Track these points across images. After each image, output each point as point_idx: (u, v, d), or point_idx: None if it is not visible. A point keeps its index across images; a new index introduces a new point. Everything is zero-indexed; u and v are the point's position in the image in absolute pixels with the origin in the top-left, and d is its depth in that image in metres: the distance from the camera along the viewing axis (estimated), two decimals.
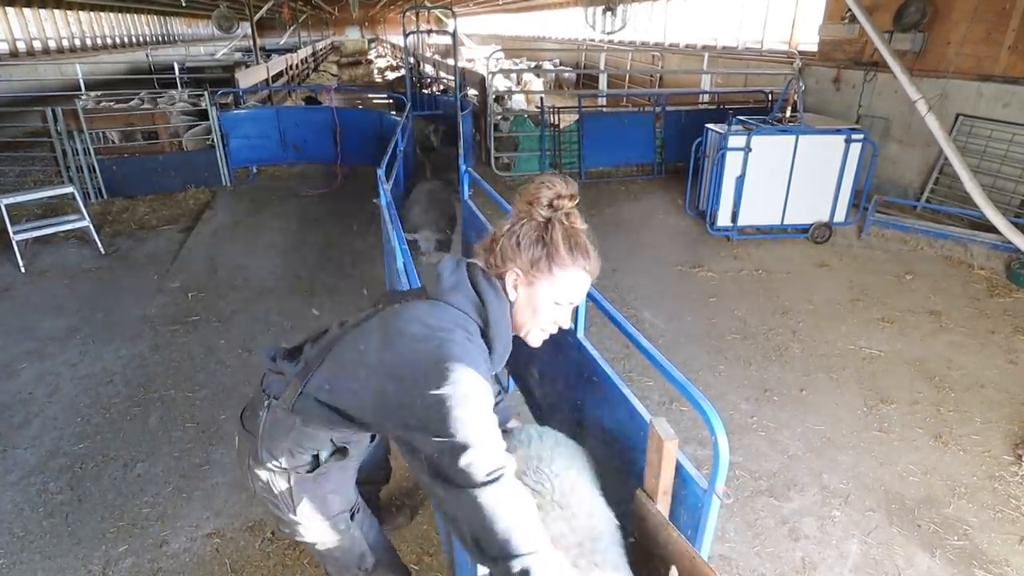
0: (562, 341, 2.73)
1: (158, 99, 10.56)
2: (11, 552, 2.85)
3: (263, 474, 1.72)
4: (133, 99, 10.64)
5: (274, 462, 1.70)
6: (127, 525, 3.00)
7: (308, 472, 1.72)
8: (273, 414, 1.66)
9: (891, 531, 3.01)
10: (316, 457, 1.73)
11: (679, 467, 1.87)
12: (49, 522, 3.02)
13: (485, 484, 1.31)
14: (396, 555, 2.17)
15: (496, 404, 1.70)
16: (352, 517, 1.93)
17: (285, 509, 1.77)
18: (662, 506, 1.89)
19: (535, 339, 1.60)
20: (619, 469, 2.30)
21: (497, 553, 1.31)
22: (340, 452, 1.75)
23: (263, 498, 1.79)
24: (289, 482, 1.72)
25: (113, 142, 8.49)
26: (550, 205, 1.51)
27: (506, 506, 1.32)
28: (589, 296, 2.41)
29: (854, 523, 3.05)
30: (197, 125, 8.79)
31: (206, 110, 8.26)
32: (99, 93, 11.20)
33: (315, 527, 1.83)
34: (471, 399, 1.35)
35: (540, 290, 1.52)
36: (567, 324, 1.60)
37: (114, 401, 3.95)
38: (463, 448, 1.31)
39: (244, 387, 4.08)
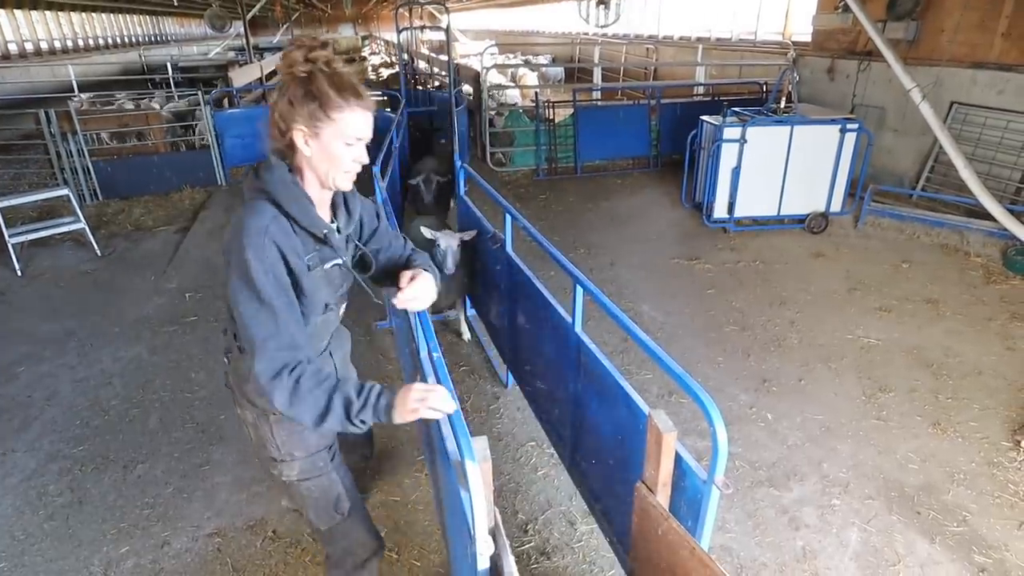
0: (560, 335, 2.74)
1: (140, 101, 10.52)
2: (12, 555, 2.85)
3: (248, 416, 1.93)
4: (116, 101, 10.59)
5: (251, 407, 1.89)
6: (128, 526, 3.00)
7: (278, 413, 1.81)
8: (233, 365, 1.90)
9: (891, 519, 3.02)
10: None
11: (678, 459, 1.87)
12: (50, 524, 3.02)
13: (274, 380, 1.53)
14: (367, 510, 2.25)
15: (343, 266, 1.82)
16: (331, 458, 2.04)
17: (271, 447, 1.93)
18: (662, 498, 1.89)
19: (344, 182, 1.69)
20: (619, 461, 2.30)
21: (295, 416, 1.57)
22: None
23: (255, 443, 1.97)
24: (269, 422, 1.90)
25: (105, 143, 8.46)
26: (307, 60, 1.58)
27: (296, 398, 1.54)
28: (587, 290, 2.41)
29: (854, 511, 3.06)
30: (191, 126, 8.77)
31: (194, 110, 8.24)
32: (90, 95, 11.14)
33: (297, 464, 1.95)
34: (251, 267, 1.53)
35: (327, 137, 1.61)
36: (366, 159, 1.69)
37: (113, 403, 3.95)
38: (250, 346, 1.55)
39: None
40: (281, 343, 1.55)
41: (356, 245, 1.93)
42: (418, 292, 1.81)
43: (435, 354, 1.97)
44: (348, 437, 2.32)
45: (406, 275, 1.84)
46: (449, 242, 3.75)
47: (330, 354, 1.99)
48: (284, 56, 1.61)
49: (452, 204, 5.88)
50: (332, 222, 1.80)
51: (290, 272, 1.63)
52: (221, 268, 1.93)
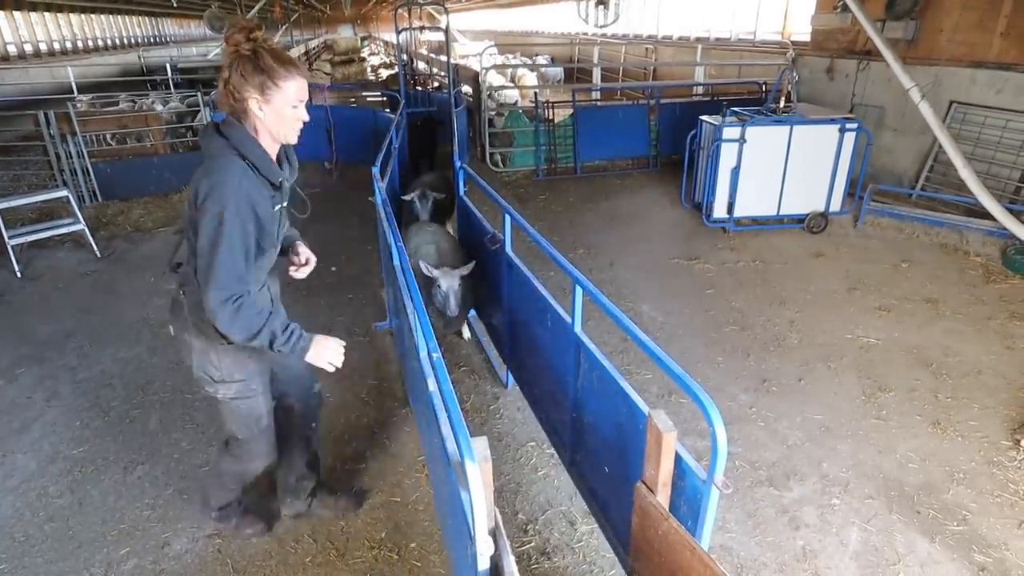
0: (560, 335, 2.74)
1: (143, 101, 10.52)
2: (13, 557, 2.85)
3: (198, 344, 2.26)
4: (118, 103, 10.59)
5: (201, 335, 2.23)
6: (128, 528, 3.00)
7: (230, 343, 2.19)
8: (189, 298, 2.21)
9: (891, 518, 3.02)
10: None
11: (678, 459, 1.87)
12: (50, 526, 3.02)
13: (222, 304, 1.92)
14: (274, 430, 2.61)
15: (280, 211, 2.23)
16: (261, 385, 2.43)
17: (211, 370, 2.29)
18: (662, 498, 1.89)
19: (292, 137, 2.09)
20: (618, 461, 2.31)
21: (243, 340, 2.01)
22: None
23: (198, 366, 2.31)
24: (216, 350, 2.26)
25: (108, 144, 8.46)
26: (249, 39, 1.93)
27: (236, 320, 1.95)
28: (586, 290, 2.42)
29: (854, 511, 3.07)
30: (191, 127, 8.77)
31: (194, 111, 8.23)
32: (91, 96, 11.13)
33: (235, 386, 2.34)
34: (225, 206, 1.90)
35: (277, 103, 1.98)
36: (307, 117, 2.08)
37: (113, 404, 3.95)
38: (206, 277, 1.92)
39: None
40: (232, 277, 1.92)
41: (295, 189, 2.31)
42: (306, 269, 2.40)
43: (435, 355, 1.97)
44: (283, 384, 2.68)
45: (300, 256, 2.45)
46: (450, 283, 3.54)
47: (267, 288, 2.32)
48: (228, 39, 1.93)
49: (453, 214, 5.87)
50: None
51: (257, 218, 2.01)
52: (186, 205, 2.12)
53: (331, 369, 2.16)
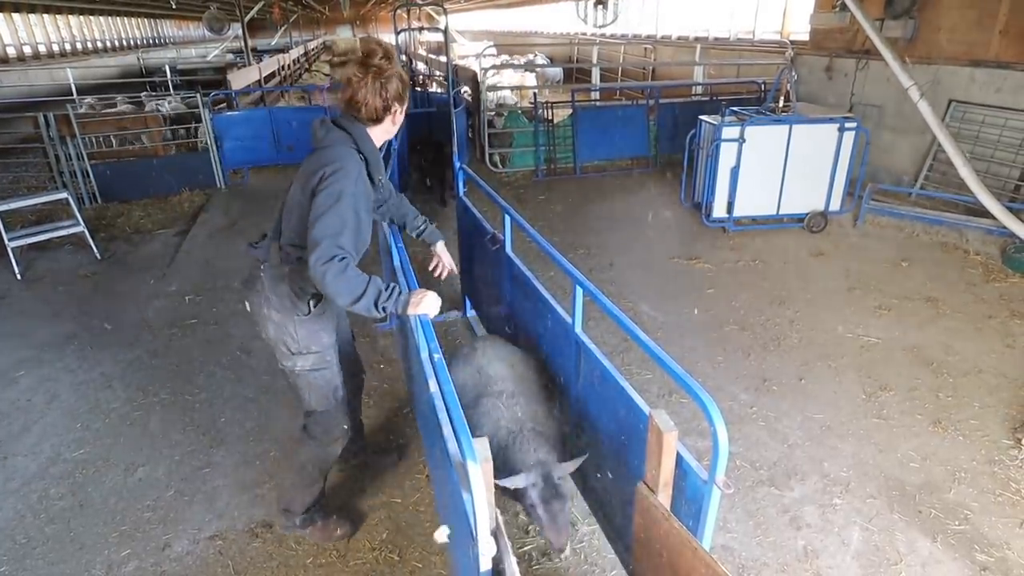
0: (560, 336, 2.74)
1: (147, 102, 10.51)
2: (14, 559, 2.85)
3: (275, 315, 2.39)
4: (118, 105, 10.58)
5: (281, 308, 2.38)
6: (129, 529, 3.00)
7: (306, 315, 2.41)
8: (268, 272, 2.37)
9: (892, 517, 3.02)
10: (310, 300, 2.40)
11: (679, 459, 1.87)
12: (51, 528, 3.02)
13: (328, 262, 1.99)
14: (347, 406, 2.73)
15: (384, 204, 2.86)
16: (335, 356, 2.58)
17: (290, 342, 2.43)
18: (663, 498, 1.89)
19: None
20: (619, 462, 2.30)
21: (346, 303, 2.06)
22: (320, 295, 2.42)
23: (274, 339, 2.44)
24: (294, 322, 2.40)
25: (113, 145, 8.44)
26: (388, 59, 2.24)
27: (343, 278, 2.01)
28: (586, 290, 2.42)
29: (855, 510, 3.06)
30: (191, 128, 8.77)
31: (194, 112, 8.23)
32: (95, 98, 11.12)
33: (312, 357, 2.47)
34: (344, 188, 2.11)
35: (400, 115, 2.38)
36: None
37: (113, 406, 3.95)
38: (316, 241, 2.01)
39: (244, 389, 4.08)
40: (339, 242, 2.03)
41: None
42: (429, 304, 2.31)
43: (436, 355, 1.97)
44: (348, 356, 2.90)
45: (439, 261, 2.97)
46: (549, 508, 2.33)
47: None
48: (373, 62, 2.21)
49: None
50: None
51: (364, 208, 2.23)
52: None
53: (430, 316, 2.23)
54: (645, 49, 16.57)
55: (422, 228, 2.97)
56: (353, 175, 2.15)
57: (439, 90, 11.69)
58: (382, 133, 2.36)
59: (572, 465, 2.42)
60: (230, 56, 22.28)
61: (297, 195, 2.24)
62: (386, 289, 2.12)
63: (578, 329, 2.55)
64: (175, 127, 9.20)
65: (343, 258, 2.02)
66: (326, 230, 2.03)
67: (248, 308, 2.47)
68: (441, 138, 7.77)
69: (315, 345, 2.46)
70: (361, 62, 2.23)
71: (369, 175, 2.30)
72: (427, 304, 2.20)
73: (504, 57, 19.17)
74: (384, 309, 2.11)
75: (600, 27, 11.96)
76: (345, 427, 2.68)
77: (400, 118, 2.37)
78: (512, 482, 2.30)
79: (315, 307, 2.43)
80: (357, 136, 2.25)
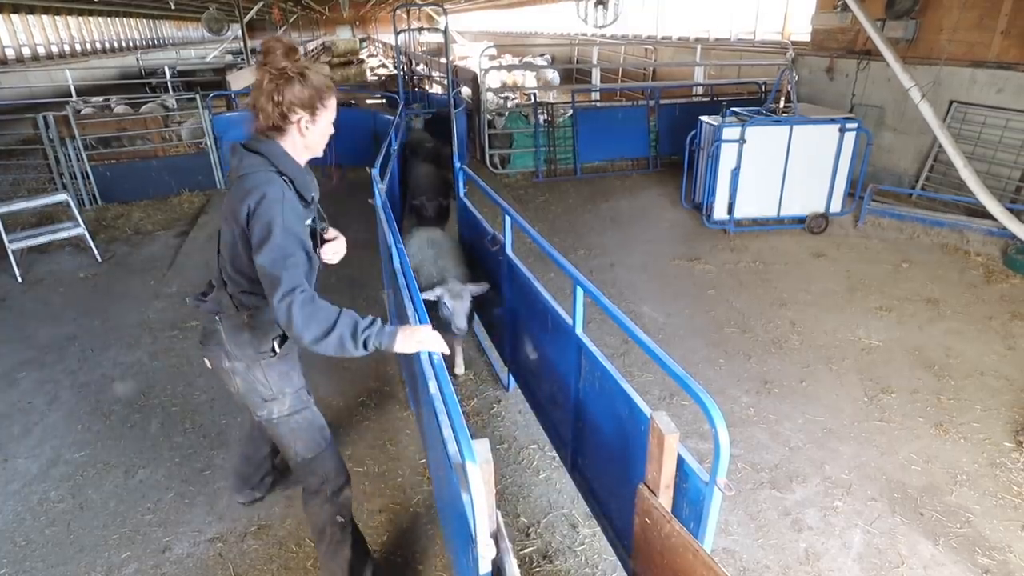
0: (561, 337, 2.73)
1: (151, 103, 10.53)
2: (14, 561, 2.84)
3: (239, 366, 2.22)
4: (117, 106, 10.59)
5: (244, 357, 2.21)
6: (129, 532, 3.00)
7: (272, 356, 2.24)
8: (226, 323, 2.19)
9: (894, 520, 3.02)
10: (274, 341, 2.24)
11: (680, 461, 1.86)
12: (51, 530, 3.01)
13: (289, 296, 1.82)
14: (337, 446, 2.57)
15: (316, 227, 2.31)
16: (309, 394, 2.42)
17: (262, 388, 2.26)
18: (664, 500, 1.89)
19: (321, 150, 2.14)
20: (620, 463, 2.30)
21: (313, 339, 1.84)
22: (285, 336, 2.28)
23: (244, 391, 2.27)
24: (261, 366, 2.24)
25: (123, 146, 8.44)
26: (295, 60, 1.96)
27: (309, 310, 1.83)
28: (587, 292, 2.41)
29: (857, 513, 3.06)
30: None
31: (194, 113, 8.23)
32: (100, 99, 11.13)
33: (288, 399, 2.30)
34: (273, 218, 1.88)
35: (322, 121, 2.05)
36: (332, 131, 2.13)
37: (114, 408, 3.94)
38: (273, 285, 1.84)
39: None
40: (293, 275, 1.85)
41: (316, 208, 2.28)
42: (337, 248, 2.38)
43: (435, 356, 1.96)
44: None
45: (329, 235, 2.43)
46: (454, 305, 3.27)
47: None
48: (269, 62, 1.93)
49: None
50: None
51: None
52: (219, 228, 2.13)
53: (437, 352, 1.96)
54: (645, 50, 16.58)
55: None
56: (279, 200, 1.91)
57: (439, 91, 11.71)
58: (300, 148, 2.06)
59: (475, 286, 3.40)
60: (229, 57, 22.29)
61: (228, 237, 2.04)
62: (364, 319, 1.91)
63: (579, 330, 2.54)
64: (175, 129, 9.20)
65: (303, 290, 1.85)
66: (275, 266, 1.85)
67: (209, 366, 2.30)
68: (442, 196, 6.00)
69: (288, 387, 2.30)
70: (259, 64, 1.97)
71: (300, 194, 2.04)
72: (430, 342, 1.95)
73: (501, 59, 19.20)
74: (366, 344, 1.88)
75: (600, 27, 11.96)
76: (342, 468, 2.48)
77: (318, 128, 2.04)
78: (432, 294, 3.30)
79: (280, 348, 2.26)
80: (271, 156, 1.98)
